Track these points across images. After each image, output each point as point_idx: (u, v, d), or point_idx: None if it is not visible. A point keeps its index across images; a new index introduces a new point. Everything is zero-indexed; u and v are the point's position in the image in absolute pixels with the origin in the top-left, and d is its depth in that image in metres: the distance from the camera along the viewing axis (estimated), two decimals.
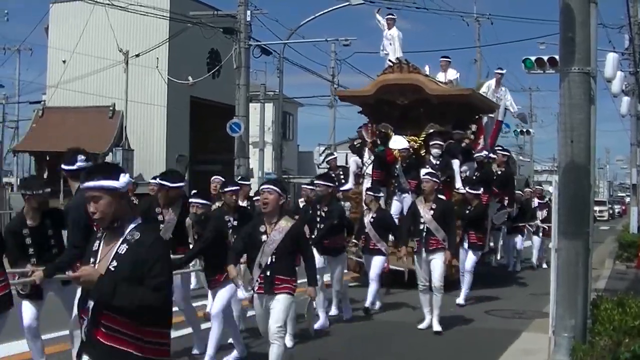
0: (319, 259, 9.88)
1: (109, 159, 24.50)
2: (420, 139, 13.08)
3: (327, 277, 9.44)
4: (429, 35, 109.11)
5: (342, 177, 13.60)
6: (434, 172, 9.82)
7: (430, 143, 12.59)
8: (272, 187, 6.02)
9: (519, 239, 16.27)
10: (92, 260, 3.39)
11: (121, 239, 3.34)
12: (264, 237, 5.96)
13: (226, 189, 7.60)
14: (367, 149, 13.23)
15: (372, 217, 9.98)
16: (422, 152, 12.98)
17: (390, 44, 14.68)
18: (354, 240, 10.39)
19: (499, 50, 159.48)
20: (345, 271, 10.42)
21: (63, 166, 6.02)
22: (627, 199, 44.50)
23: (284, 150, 31.54)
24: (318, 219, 9.17)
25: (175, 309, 7.71)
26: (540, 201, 17.43)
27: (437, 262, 8.78)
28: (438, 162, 12.35)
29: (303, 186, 11.62)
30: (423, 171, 11.33)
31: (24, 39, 63.99)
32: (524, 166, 54.96)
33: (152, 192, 10.60)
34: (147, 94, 27.46)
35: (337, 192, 11.60)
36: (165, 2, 26.28)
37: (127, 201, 3.49)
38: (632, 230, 20.63)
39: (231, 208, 7.46)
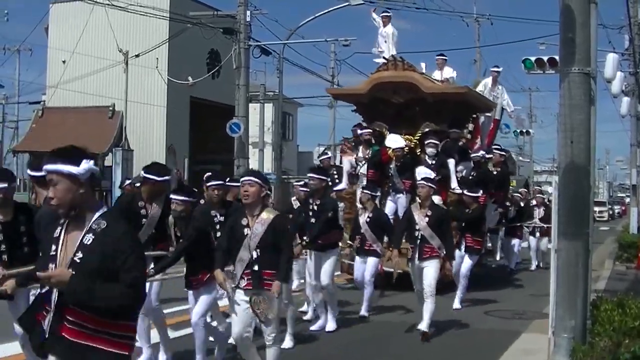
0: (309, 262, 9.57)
1: (108, 159, 24.50)
2: (416, 138, 12.84)
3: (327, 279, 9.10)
4: (429, 35, 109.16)
5: (335, 176, 13.26)
6: (429, 177, 9.57)
7: (426, 142, 12.34)
8: (253, 178, 5.80)
9: (516, 242, 16.17)
10: (53, 248, 3.20)
11: (86, 228, 3.15)
12: (246, 231, 5.77)
13: (209, 184, 7.45)
14: (360, 149, 12.90)
15: (368, 217, 9.74)
16: (418, 151, 12.73)
17: (385, 41, 14.34)
18: (348, 242, 10.17)
19: (498, 51, 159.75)
20: (338, 273, 10.14)
21: (29, 171, 5.95)
22: (627, 200, 44.51)
23: (283, 151, 31.54)
24: (310, 213, 8.82)
25: (174, 309, 7.76)
26: (538, 201, 17.21)
27: (429, 270, 8.50)
28: (433, 162, 12.13)
29: (295, 184, 11.36)
30: (418, 171, 11.27)
31: (24, 39, 63.98)
32: (523, 167, 55.00)
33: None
34: (147, 94, 27.46)
35: (331, 192, 11.29)
36: (165, 2, 26.28)
37: (91, 189, 3.23)
38: (632, 231, 20.63)
39: (216, 203, 7.32)
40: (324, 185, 8.92)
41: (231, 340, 6.74)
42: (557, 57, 11.08)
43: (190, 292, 6.84)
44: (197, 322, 6.63)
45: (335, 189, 12.24)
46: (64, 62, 27.93)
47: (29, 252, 5.77)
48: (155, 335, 7.11)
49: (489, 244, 14.71)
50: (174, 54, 27.28)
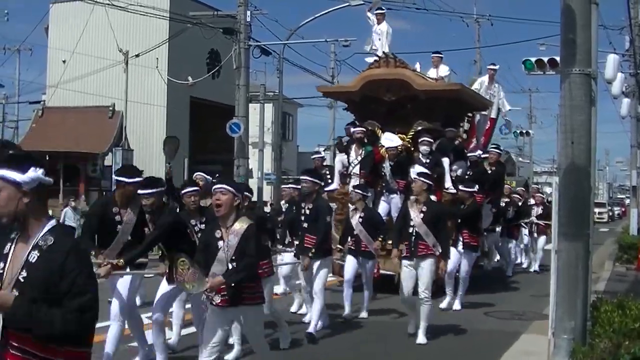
0: (289, 258, 9.48)
1: (108, 158, 24.49)
2: (409, 136, 12.49)
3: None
4: (429, 36, 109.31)
5: (327, 176, 12.87)
6: (424, 172, 9.21)
7: (419, 140, 11.97)
8: (225, 186, 5.44)
9: (512, 244, 16.10)
10: (1, 265, 2.89)
11: (32, 244, 2.85)
12: (220, 244, 5.41)
13: (184, 192, 7.20)
14: (353, 148, 12.47)
15: (360, 217, 9.50)
16: (412, 149, 12.32)
17: (379, 39, 13.82)
18: (338, 245, 9.83)
19: (498, 52, 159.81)
20: (331, 275, 9.87)
21: None
22: (627, 201, 44.50)
23: (283, 151, 31.53)
24: (302, 217, 8.47)
25: (172, 309, 7.71)
26: (537, 200, 17.01)
27: (425, 271, 8.21)
28: (427, 161, 11.73)
29: (283, 187, 11.19)
30: (415, 172, 10.71)
31: (24, 39, 63.96)
32: (523, 167, 55.00)
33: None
34: (147, 94, 27.46)
35: (322, 192, 10.88)
36: (165, 2, 26.28)
37: (39, 200, 2.94)
38: (632, 232, 20.63)
39: (193, 211, 7.04)
40: (317, 188, 8.64)
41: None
42: (557, 58, 11.11)
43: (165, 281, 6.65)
44: (157, 317, 6.53)
45: (326, 189, 11.81)
46: (64, 61, 27.93)
47: None
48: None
49: (486, 248, 14.48)
50: (174, 54, 27.28)
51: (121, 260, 6.05)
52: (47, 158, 25.31)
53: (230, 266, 5.35)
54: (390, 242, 9.36)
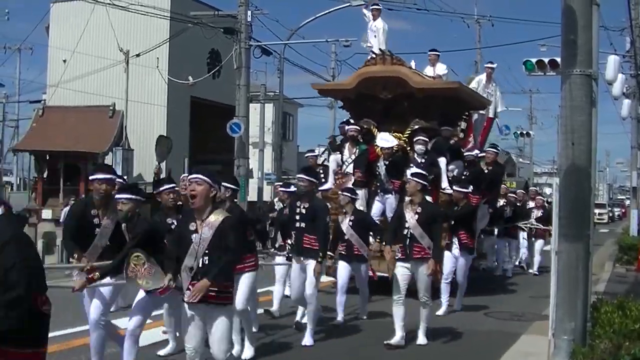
0: (281, 261, 9.37)
1: (108, 158, 24.48)
2: (405, 135, 12.25)
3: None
4: (430, 36, 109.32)
5: (322, 176, 12.35)
6: (419, 172, 8.93)
7: (415, 139, 11.69)
8: (200, 176, 5.21)
9: (512, 245, 15.93)
10: None
11: None
12: (194, 236, 5.18)
13: (162, 188, 6.96)
14: (347, 146, 12.21)
15: (350, 221, 9.26)
16: (408, 149, 12.07)
17: (375, 36, 13.57)
18: (329, 253, 9.13)
19: (499, 52, 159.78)
20: (324, 277, 9.66)
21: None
22: (627, 202, 44.54)
23: (283, 151, 31.56)
24: (297, 217, 8.17)
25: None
26: (536, 202, 16.73)
27: (423, 276, 8.05)
28: (423, 160, 11.49)
29: (276, 184, 10.97)
30: (409, 171, 10.51)
31: (24, 38, 64.05)
32: (523, 168, 54.98)
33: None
34: (148, 93, 27.45)
35: (317, 191, 10.57)
36: (166, 2, 26.28)
37: None
38: (632, 233, 20.65)
39: (170, 208, 6.84)
40: (313, 188, 8.43)
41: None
42: (558, 59, 11.09)
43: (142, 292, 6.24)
44: (132, 331, 6.17)
45: (320, 188, 11.43)
46: (64, 61, 27.91)
47: None
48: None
49: (484, 249, 14.36)
50: (175, 54, 27.27)
51: (97, 274, 5.75)
52: (48, 157, 25.38)
53: (202, 260, 5.12)
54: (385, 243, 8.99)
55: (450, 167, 12.28)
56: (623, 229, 26.25)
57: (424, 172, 9.17)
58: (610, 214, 54.82)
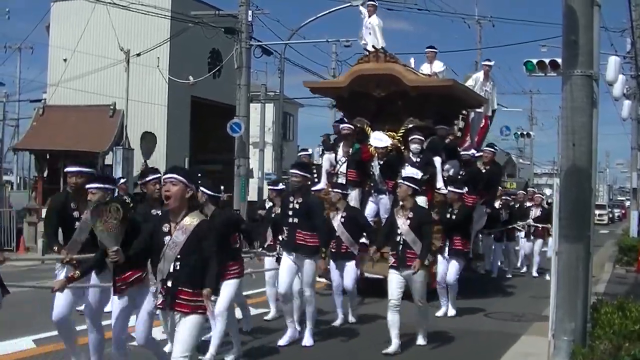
0: (270, 262, 9.16)
1: (109, 157, 24.48)
2: (399, 134, 12.02)
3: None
4: (430, 36, 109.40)
5: (315, 175, 12.10)
6: (411, 176, 8.69)
7: (410, 138, 11.45)
8: (175, 176, 4.91)
9: (510, 246, 15.73)
10: None
11: None
12: (167, 239, 4.90)
13: (148, 179, 6.86)
14: (341, 146, 11.92)
15: (342, 217, 9.06)
16: (402, 148, 11.83)
17: (370, 33, 13.04)
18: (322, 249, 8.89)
19: (500, 53, 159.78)
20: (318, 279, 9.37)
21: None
22: (627, 203, 44.53)
23: (284, 151, 31.55)
24: (290, 212, 7.99)
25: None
26: (534, 201, 16.33)
27: (417, 283, 7.93)
28: (418, 160, 11.22)
29: (267, 183, 10.72)
30: (405, 173, 10.17)
31: (25, 37, 63.86)
32: (523, 169, 55.05)
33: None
34: (148, 93, 27.42)
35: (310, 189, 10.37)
36: (167, 1, 26.26)
37: None
38: (632, 234, 20.62)
39: (156, 199, 6.65)
40: (307, 183, 8.29)
41: None
42: (558, 60, 11.10)
43: (116, 296, 5.90)
44: (117, 339, 5.87)
45: (313, 189, 11.25)
46: (65, 60, 27.90)
47: None
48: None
49: (481, 251, 14.27)
50: (176, 53, 27.24)
51: (77, 272, 5.49)
52: (48, 157, 25.36)
53: (173, 265, 4.83)
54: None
55: (446, 166, 12.06)
56: (623, 230, 26.25)
57: (414, 176, 8.97)
58: (610, 215, 54.81)
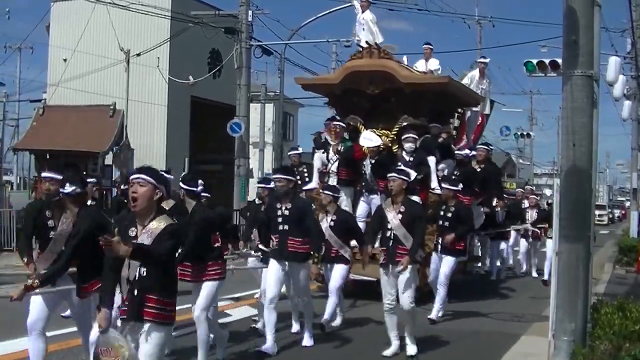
0: (253, 261, 8.94)
1: (109, 157, 24.49)
2: (393, 133, 11.65)
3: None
4: (431, 37, 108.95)
5: (306, 175, 12.10)
6: (402, 169, 8.33)
7: (403, 137, 11.11)
8: (143, 176, 4.61)
9: (504, 245, 15.16)
10: None
11: None
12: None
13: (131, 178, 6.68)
14: (331, 147, 11.51)
15: (331, 220, 8.70)
16: (395, 148, 11.49)
17: (363, 29, 12.61)
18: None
19: (500, 53, 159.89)
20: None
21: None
22: (627, 204, 44.55)
23: (284, 151, 31.52)
24: (280, 219, 7.71)
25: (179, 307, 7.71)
26: (529, 202, 15.87)
27: (405, 279, 7.47)
28: (411, 159, 10.89)
29: (257, 183, 10.38)
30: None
31: (25, 37, 63.97)
32: (523, 169, 55.09)
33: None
34: (148, 93, 27.45)
35: (300, 191, 10.19)
36: (167, 1, 26.29)
37: None
38: (632, 235, 20.64)
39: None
40: (292, 186, 7.91)
41: None
42: (558, 60, 11.07)
43: (79, 300, 5.74)
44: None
45: (305, 188, 11.00)
46: (65, 60, 27.93)
47: None
48: None
49: (479, 252, 14.15)
50: (176, 53, 27.27)
51: (36, 281, 5.27)
52: (48, 157, 25.35)
53: (139, 271, 4.49)
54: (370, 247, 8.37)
55: (440, 166, 11.75)
56: (623, 230, 26.27)
57: (406, 169, 8.57)
58: (610, 216, 54.82)
